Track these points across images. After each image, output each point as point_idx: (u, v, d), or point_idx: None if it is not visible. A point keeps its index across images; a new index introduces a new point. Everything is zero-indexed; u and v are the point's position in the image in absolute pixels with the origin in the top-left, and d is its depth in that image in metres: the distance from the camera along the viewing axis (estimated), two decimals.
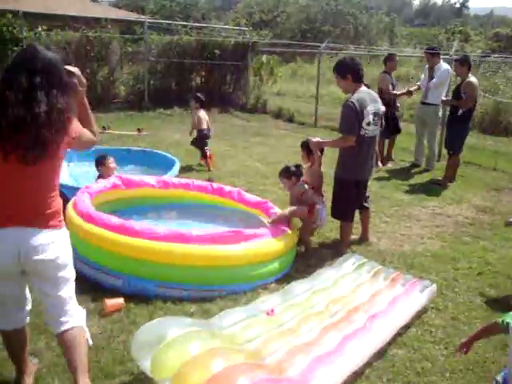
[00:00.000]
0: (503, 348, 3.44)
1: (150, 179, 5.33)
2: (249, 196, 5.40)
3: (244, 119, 12.95)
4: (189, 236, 3.86)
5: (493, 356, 3.35)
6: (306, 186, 4.89)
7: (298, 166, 5.00)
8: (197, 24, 14.11)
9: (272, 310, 3.39)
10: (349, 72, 4.59)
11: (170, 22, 14.18)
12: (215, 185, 5.59)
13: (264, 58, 15.08)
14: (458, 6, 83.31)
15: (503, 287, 4.38)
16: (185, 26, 14.00)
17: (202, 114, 7.87)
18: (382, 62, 9.63)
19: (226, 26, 14.97)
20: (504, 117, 13.40)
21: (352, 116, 4.53)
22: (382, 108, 4.78)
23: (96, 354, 3.03)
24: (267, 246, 4.11)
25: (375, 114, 4.61)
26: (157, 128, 10.73)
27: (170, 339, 2.66)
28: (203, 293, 3.81)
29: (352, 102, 4.54)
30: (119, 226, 3.88)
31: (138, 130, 9.92)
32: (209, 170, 7.58)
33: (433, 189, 7.38)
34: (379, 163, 8.19)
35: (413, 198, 6.92)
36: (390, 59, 8.50)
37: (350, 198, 4.83)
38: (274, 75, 15.52)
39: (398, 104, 8.80)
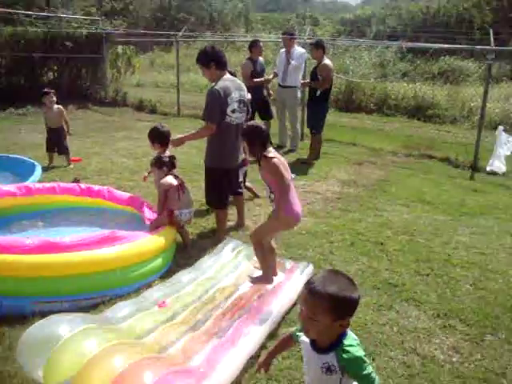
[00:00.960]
0: (379, 309, 3.72)
1: (10, 187, 4.89)
2: (120, 193, 5.19)
3: (105, 114, 12.40)
4: (61, 244, 3.61)
5: (372, 317, 3.60)
6: (173, 180, 4.59)
7: (171, 157, 4.76)
8: (43, 14, 13.05)
9: (163, 302, 3.38)
10: (211, 60, 4.57)
11: (11, 10, 12.95)
12: (83, 185, 5.29)
13: (120, 48, 14.50)
14: None
15: (373, 254, 4.73)
16: (28, 16, 12.89)
17: (58, 108, 7.38)
18: (238, 48, 9.76)
19: (77, 16, 14.04)
20: (356, 95, 14.42)
21: (216, 104, 4.53)
22: (248, 95, 4.84)
23: None
24: (145, 244, 3.98)
25: (240, 102, 4.65)
26: (9, 130, 9.85)
27: (64, 340, 2.47)
28: (85, 302, 3.58)
29: (216, 90, 4.54)
30: None
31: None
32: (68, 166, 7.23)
33: (300, 168, 7.69)
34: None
35: None
36: (254, 46, 8.54)
37: (221, 187, 4.84)
38: (131, 66, 15.01)
39: (271, 91, 8.97)
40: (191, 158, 7.85)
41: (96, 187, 5.24)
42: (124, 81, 15.15)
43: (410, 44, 12.42)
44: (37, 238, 3.68)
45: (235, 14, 36.33)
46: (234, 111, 4.58)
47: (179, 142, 4.80)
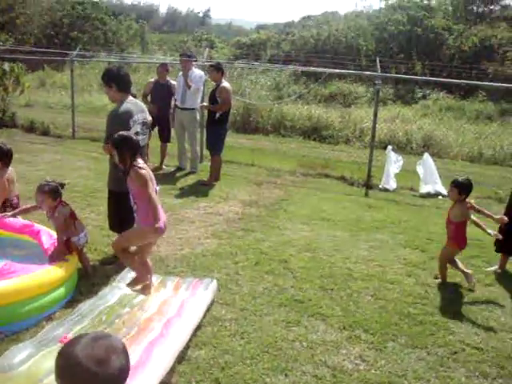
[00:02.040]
0: (287, 326, 3.80)
1: None
2: (13, 220, 4.85)
3: None
4: None
5: (281, 335, 3.66)
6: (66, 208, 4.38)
7: (62, 185, 4.46)
8: None
9: (65, 337, 3.14)
10: (114, 81, 4.46)
11: None
12: None
13: (6, 65, 13.64)
14: (201, 15, 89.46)
15: (278, 272, 4.82)
16: None
17: None
18: (134, 68, 9.77)
19: None
20: (253, 116, 14.76)
21: (115, 125, 4.41)
22: (149, 117, 4.79)
23: None
24: (44, 275, 3.75)
25: (143, 124, 4.58)
26: None
27: None
28: None
29: (117, 112, 4.44)
30: None
31: None
32: None
33: (201, 189, 7.69)
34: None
35: (184, 200, 7.08)
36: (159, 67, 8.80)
37: (125, 210, 4.70)
38: (20, 85, 14.16)
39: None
40: (88, 181, 7.55)
41: None
42: (12, 100, 14.26)
43: (305, 68, 12.97)
44: None
45: (130, 34, 35.85)
46: (137, 134, 4.48)
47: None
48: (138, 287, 4.07)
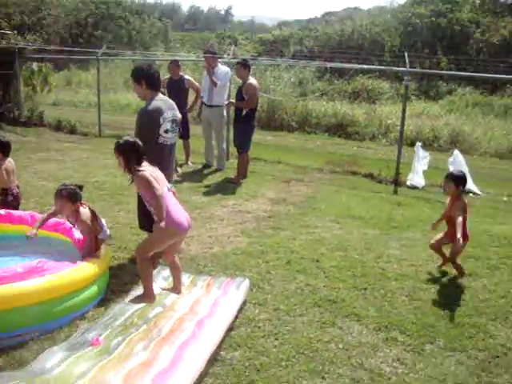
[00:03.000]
0: (322, 327, 3.73)
1: None
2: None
3: (19, 134, 11.68)
4: None
5: (316, 336, 3.60)
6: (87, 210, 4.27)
7: (80, 187, 4.28)
8: None
9: (97, 339, 3.12)
10: (143, 78, 4.44)
11: None
12: (2, 211, 4.92)
13: (34, 65, 13.83)
14: (223, 12, 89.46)
15: (310, 271, 4.75)
16: None
17: None
18: (158, 66, 9.79)
19: None
20: (278, 113, 14.69)
21: (145, 123, 4.40)
22: (179, 115, 4.75)
23: None
24: (77, 273, 3.73)
25: (173, 121, 4.54)
26: None
27: None
28: (9, 340, 3.28)
29: (147, 110, 4.42)
30: None
31: None
32: None
33: (228, 187, 7.66)
34: (178, 168, 8.20)
35: (211, 198, 7.07)
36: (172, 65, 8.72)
37: None
38: (48, 84, 14.36)
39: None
40: (116, 179, 7.56)
41: (17, 213, 4.90)
42: (40, 99, 14.45)
43: (333, 64, 12.82)
44: None
45: (153, 32, 36.05)
46: (167, 131, 4.45)
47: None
48: (168, 287, 4.03)
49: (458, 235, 4.46)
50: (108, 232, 4.38)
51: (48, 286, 3.49)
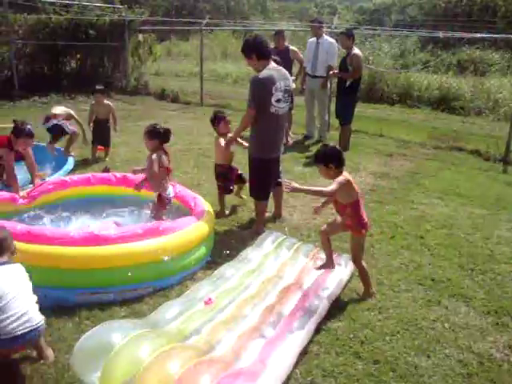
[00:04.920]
0: (427, 305, 3.66)
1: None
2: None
3: (127, 102, 12.32)
4: (106, 236, 3.57)
5: (421, 313, 3.54)
6: (163, 156, 4.46)
7: (167, 131, 4.49)
8: (67, 1, 12.97)
9: (209, 299, 3.30)
10: (253, 51, 4.50)
11: None
12: (118, 174, 5.26)
13: (141, 37, 14.42)
14: None
15: (414, 247, 4.65)
16: (52, 4, 12.84)
17: (108, 105, 7.35)
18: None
19: (99, 4, 13.94)
20: (378, 85, 14.24)
21: (258, 90, 4.48)
22: (293, 85, 4.75)
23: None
24: (190, 233, 3.93)
25: (285, 91, 4.56)
26: (35, 118, 9.82)
27: (118, 347, 2.46)
28: (129, 293, 3.55)
29: (259, 78, 4.47)
30: (26, 232, 3.48)
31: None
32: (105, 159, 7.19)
33: None
34: (289, 139, 8.11)
35: (313, 170, 7.01)
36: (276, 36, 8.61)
37: (266, 177, 4.79)
38: (152, 54, 14.93)
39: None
40: None
41: (131, 176, 5.19)
42: (144, 69, 15.09)
43: (448, 34, 12.09)
44: (81, 230, 3.65)
45: (252, 2, 36.08)
46: (278, 101, 4.49)
47: (231, 142, 4.88)
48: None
49: None
50: (172, 194, 4.57)
51: (165, 245, 3.71)
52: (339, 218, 3.78)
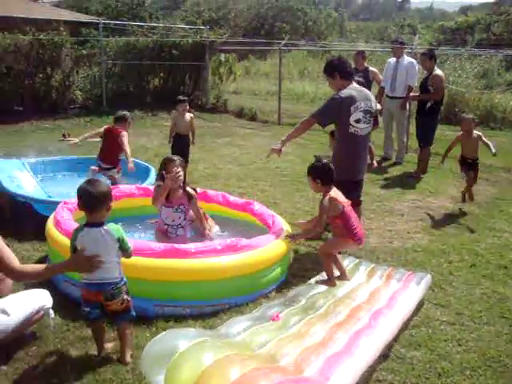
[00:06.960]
0: None
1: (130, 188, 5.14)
2: (234, 199, 5.24)
3: (206, 120, 12.71)
4: (186, 250, 3.68)
5: (505, 350, 3.36)
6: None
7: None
8: (154, 24, 13.71)
9: (277, 315, 3.31)
10: (336, 70, 4.54)
11: (126, 22, 13.74)
12: (198, 189, 5.41)
13: (222, 56, 14.89)
14: (399, 0, 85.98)
15: (497, 278, 4.43)
16: (140, 27, 13.61)
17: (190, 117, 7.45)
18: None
19: (182, 26, 14.60)
20: (459, 106, 13.76)
21: (331, 107, 4.51)
22: (378, 106, 4.71)
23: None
24: (267, 252, 3.96)
25: (366, 112, 4.53)
26: None
27: (182, 351, 2.54)
28: (206, 308, 3.64)
29: (339, 96, 4.49)
30: None
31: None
32: None
33: (408, 182, 7.46)
34: (374, 161, 7.81)
35: (391, 192, 6.95)
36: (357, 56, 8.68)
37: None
38: (232, 73, 15.35)
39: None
40: (296, 166, 7.83)
41: (210, 192, 5.32)
42: (223, 88, 15.52)
43: None
44: (164, 244, 3.78)
45: (329, 22, 36.21)
46: (358, 121, 4.47)
47: (282, 145, 4.83)
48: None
49: None
50: None
51: (244, 262, 3.78)
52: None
